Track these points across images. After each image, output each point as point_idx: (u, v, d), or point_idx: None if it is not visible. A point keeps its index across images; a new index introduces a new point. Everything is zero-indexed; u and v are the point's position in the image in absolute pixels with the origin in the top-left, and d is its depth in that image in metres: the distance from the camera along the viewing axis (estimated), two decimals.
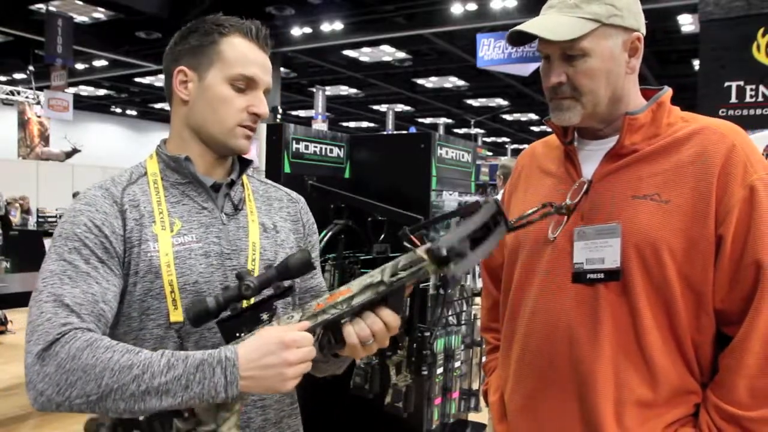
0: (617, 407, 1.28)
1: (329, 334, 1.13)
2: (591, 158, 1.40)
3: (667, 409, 1.29)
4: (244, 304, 1.15)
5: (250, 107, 1.29)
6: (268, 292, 1.15)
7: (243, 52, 1.28)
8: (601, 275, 1.29)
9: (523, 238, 1.44)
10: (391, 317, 1.11)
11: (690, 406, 1.30)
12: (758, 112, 2.64)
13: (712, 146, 1.27)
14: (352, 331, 1.11)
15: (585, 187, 1.37)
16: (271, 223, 1.38)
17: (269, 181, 1.50)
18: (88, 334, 1.08)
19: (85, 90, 23.82)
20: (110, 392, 1.03)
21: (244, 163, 1.39)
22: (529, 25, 1.33)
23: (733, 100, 2.68)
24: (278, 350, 1.06)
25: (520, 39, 1.36)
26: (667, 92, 1.39)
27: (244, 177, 1.40)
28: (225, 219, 1.31)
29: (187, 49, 1.30)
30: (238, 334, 1.11)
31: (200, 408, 1.07)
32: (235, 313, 1.12)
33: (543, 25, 1.32)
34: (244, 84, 1.28)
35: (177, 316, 1.21)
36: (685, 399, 1.30)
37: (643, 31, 1.35)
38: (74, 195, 14.32)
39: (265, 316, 1.13)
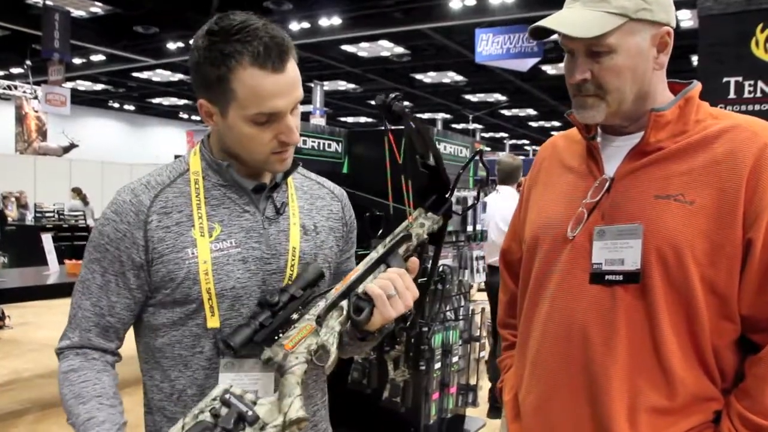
0: (630, 413, 1.23)
1: (351, 311, 1.18)
2: (614, 155, 1.34)
3: (684, 417, 1.24)
4: None
5: (279, 136, 1.22)
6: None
7: (255, 89, 1.16)
8: (620, 277, 1.24)
9: (542, 234, 1.39)
10: (395, 270, 1.21)
11: (709, 414, 1.25)
12: (757, 108, 2.64)
13: (742, 145, 1.21)
14: (371, 285, 1.19)
15: (607, 184, 1.31)
16: (312, 224, 1.37)
17: (313, 176, 1.48)
18: (73, 360, 1.25)
19: (83, 85, 23.75)
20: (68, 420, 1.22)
21: (292, 164, 1.33)
22: (552, 21, 1.27)
23: (732, 95, 2.68)
24: None
25: (542, 33, 1.31)
26: (696, 87, 1.33)
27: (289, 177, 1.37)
28: (266, 223, 1.30)
29: (201, 80, 1.21)
30: (276, 337, 1.15)
31: (262, 412, 1.08)
32: (267, 323, 1.17)
33: (567, 20, 1.26)
34: (266, 117, 1.19)
35: (214, 322, 1.23)
36: (704, 406, 1.25)
37: (674, 24, 1.29)
38: (73, 190, 14.29)
39: (295, 316, 1.18)
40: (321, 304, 1.18)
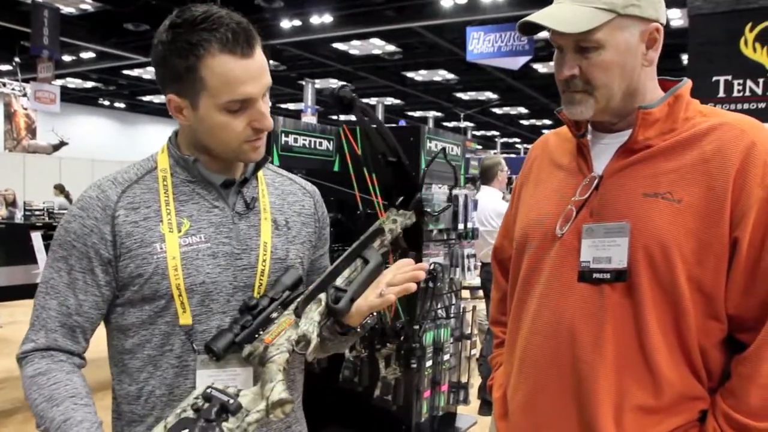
0: (617, 412, 1.23)
1: (329, 301, 1.20)
2: (604, 152, 1.34)
3: (670, 415, 1.24)
4: None
5: (252, 123, 1.21)
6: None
7: (226, 75, 1.16)
8: (608, 275, 1.24)
9: (531, 232, 1.40)
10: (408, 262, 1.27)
11: (695, 412, 1.25)
12: (746, 106, 2.66)
13: (730, 143, 1.21)
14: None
15: (595, 182, 1.31)
16: (284, 219, 1.36)
17: (284, 173, 1.47)
18: (39, 363, 1.20)
19: (73, 82, 23.62)
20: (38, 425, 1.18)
21: (261, 159, 1.33)
22: (541, 16, 1.27)
23: (721, 94, 2.70)
24: None
25: (531, 29, 1.30)
26: (686, 84, 1.33)
27: (259, 172, 1.37)
28: (236, 218, 1.29)
29: (168, 74, 1.20)
30: (256, 336, 1.16)
31: (245, 401, 1.07)
32: (248, 325, 1.18)
33: (556, 15, 1.26)
34: (239, 105, 1.18)
35: (186, 318, 1.21)
36: (690, 405, 1.25)
37: (663, 20, 1.29)
38: (56, 187, 14.13)
39: (275, 314, 1.19)
40: (299, 299, 1.20)
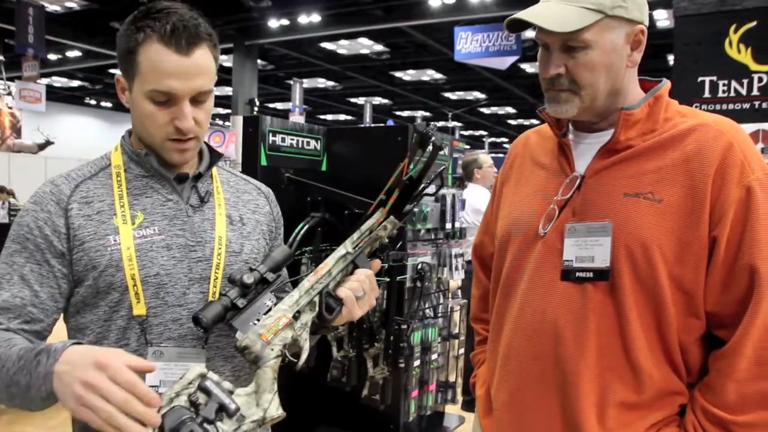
0: (599, 408, 1.25)
1: (323, 309, 1.21)
2: (585, 152, 1.36)
3: (651, 411, 1.26)
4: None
5: (174, 121, 1.22)
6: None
7: (156, 65, 1.19)
8: (590, 274, 1.26)
9: (514, 231, 1.41)
10: (363, 272, 1.27)
11: (675, 407, 1.28)
12: (731, 107, 2.68)
13: (708, 144, 1.23)
14: (342, 289, 1.23)
15: (578, 182, 1.33)
16: (238, 216, 1.38)
17: (239, 174, 1.50)
18: None
19: (59, 81, 23.44)
20: None
21: (215, 156, 1.38)
22: (529, 14, 1.28)
23: (707, 94, 2.72)
24: (86, 366, 0.99)
25: (518, 26, 1.31)
26: (665, 85, 1.35)
27: (214, 169, 1.39)
28: (190, 211, 1.31)
29: (118, 54, 1.25)
30: (251, 324, 1.14)
31: (239, 403, 1.07)
32: (241, 306, 1.16)
33: (544, 14, 1.27)
34: (163, 97, 1.20)
35: (140, 309, 1.22)
36: (670, 400, 1.28)
37: (647, 23, 1.31)
38: None
39: (269, 303, 1.18)
40: (294, 294, 1.18)
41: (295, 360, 1.16)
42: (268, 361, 1.12)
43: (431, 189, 1.36)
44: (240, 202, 1.41)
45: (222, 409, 1.05)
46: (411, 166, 1.27)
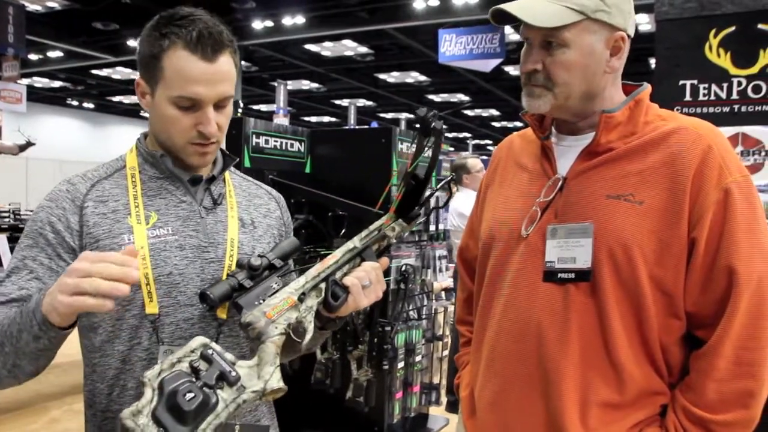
0: (582, 408, 1.27)
1: (329, 294, 1.23)
2: (567, 154, 1.37)
3: (633, 410, 1.28)
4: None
5: (198, 126, 1.25)
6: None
7: (182, 71, 1.22)
8: (572, 275, 1.28)
9: (497, 233, 1.42)
10: (370, 264, 1.28)
11: (656, 407, 1.30)
12: (711, 110, 2.71)
13: (687, 147, 1.25)
14: (349, 277, 1.25)
15: (560, 184, 1.34)
16: (250, 219, 1.40)
17: (250, 179, 1.52)
18: None
19: (40, 81, 23.17)
20: None
21: (229, 159, 1.40)
22: (514, 7, 1.30)
23: (688, 98, 2.74)
24: (64, 276, 1.05)
25: (502, 18, 1.33)
26: (646, 89, 1.37)
27: (227, 173, 1.41)
28: (203, 213, 1.32)
29: (140, 59, 1.28)
30: (256, 303, 1.17)
31: (241, 374, 1.08)
32: (248, 287, 1.19)
33: (527, 8, 1.29)
34: (188, 103, 1.24)
35: (152, 308, 1.23)
36: (652, 400, 1.29)
37: (631, 32, 1.32)
38: None
39: (274, 285, 1.20)
40: (300, 279, 1.20)
41: (299, 339, 1.18)
42: (271, 337, 1.13)
43: (440, 196, 1.39)
44: (252, 206, 1.43)
45: (222, 378, 1.06)
46: (415, 162, 1.29)
